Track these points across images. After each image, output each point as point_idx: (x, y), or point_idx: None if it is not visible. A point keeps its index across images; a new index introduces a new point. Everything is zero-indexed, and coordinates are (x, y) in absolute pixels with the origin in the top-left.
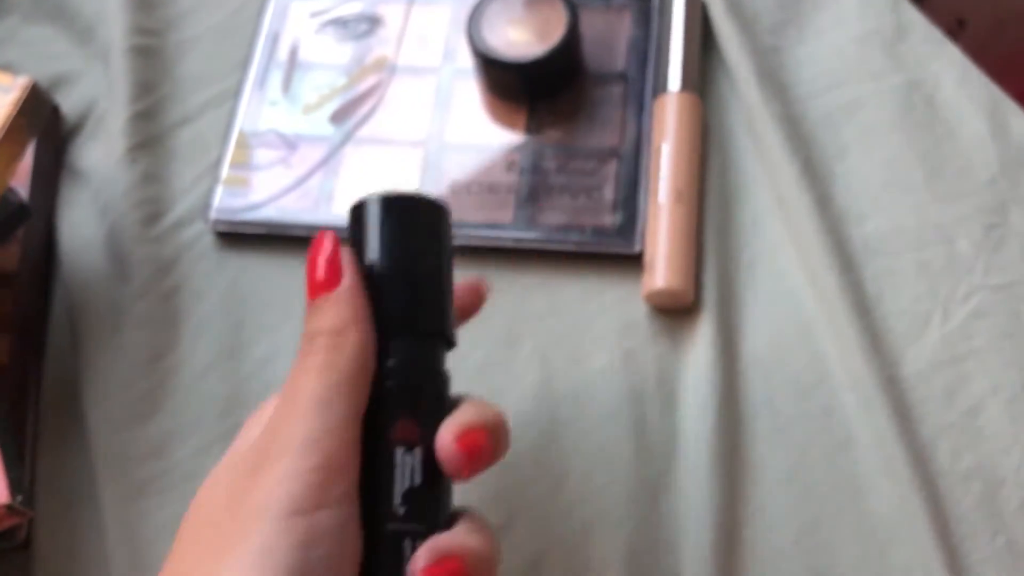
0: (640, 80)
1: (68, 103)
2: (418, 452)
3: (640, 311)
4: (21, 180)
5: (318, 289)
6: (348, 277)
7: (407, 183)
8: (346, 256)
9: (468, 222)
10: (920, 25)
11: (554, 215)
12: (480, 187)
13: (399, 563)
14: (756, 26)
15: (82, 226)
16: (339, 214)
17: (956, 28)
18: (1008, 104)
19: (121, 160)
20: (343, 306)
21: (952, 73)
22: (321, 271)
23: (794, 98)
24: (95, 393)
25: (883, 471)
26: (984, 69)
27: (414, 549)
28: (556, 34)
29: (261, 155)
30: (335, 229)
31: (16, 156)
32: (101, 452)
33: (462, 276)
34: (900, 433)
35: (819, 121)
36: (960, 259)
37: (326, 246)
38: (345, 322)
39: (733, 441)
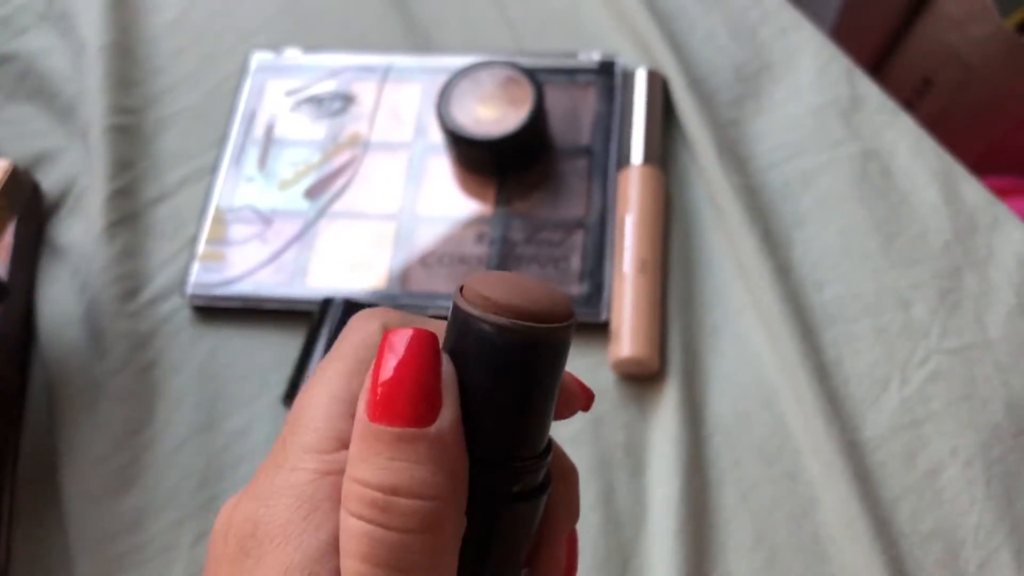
0: (604, 154)
1: (49, 180)
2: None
3: (608, 379)
4: (2, 257)
5: (398, 416)
6: (450, 410)
7: (380, 256)
8: (448, 376)
9: (440, 293)
10: (874, 96)
11: None
12: (451, 258)
13: None
14: (716, 100)
15: (61, 302)
16: (314, 287)
17: (922, 87)
18: (960, 171)
19: (99, 237)
20: (443, 457)
21: (906, 142)
22: (409, 392)
23: (753, 169)
24: (72, 468)
25: (846, 534)
26: (950, 126)
27: None
28: (523, 111)
29: (237, 230)
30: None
31: None
32: (77, 527)
33: None
34: (862, 496)
35: (778, 191)
36: (916, 324)
37: (421, 354)
38: (442, 489)
39: (700, 507)
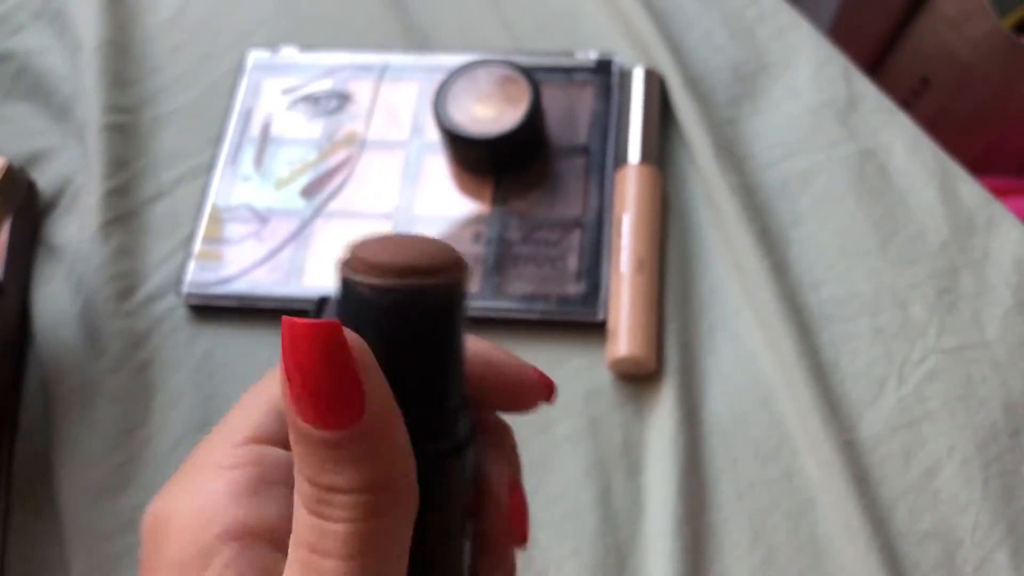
0: (601, 153)
1: (44, 179)
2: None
3: (604, 378)
4: None
5: (319, 418)
6: (376, 394)
7: None
8: (362, 353)
9: None
10: (872, 95)
11: (520, 285)
12: None
13: None
14: (713, 99)
15: (56, 301)
16: (310, 287)
17: (920, 87)
18: (957, 171)
19: (95, 235)
20: (377, 449)
21: (903, 142)
22: (324, 394)
23: (750, 168)
24: (67, 467)
25: (843, 534)
26: (947, 125)
27: None
28: (520, 110)
29: (233, 229)
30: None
31: None
32: (73, 526)
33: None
34: (859, 496)
35: (775, 190)
36: (914, 323)
37: (323, 353)
38: (390, 471)
39: (697, 506)
